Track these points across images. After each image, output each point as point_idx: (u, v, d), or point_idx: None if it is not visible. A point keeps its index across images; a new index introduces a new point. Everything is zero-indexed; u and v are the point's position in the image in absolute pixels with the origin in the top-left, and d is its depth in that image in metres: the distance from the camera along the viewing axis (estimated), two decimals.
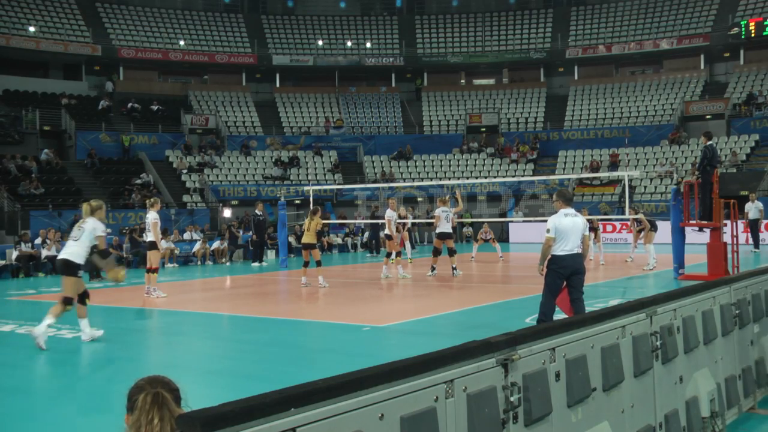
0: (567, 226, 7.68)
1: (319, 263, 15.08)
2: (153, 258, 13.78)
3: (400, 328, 9.75)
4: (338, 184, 33.68)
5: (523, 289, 14.51)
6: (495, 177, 34.20)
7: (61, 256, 9.28)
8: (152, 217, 13.68)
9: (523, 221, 21.36)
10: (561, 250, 7.70)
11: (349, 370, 2.52)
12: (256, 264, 22.18)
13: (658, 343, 4.35)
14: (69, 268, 9.04)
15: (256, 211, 22.83)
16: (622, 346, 3.99)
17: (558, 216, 7.80)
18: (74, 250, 9.08)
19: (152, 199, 14.14)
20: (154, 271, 13.80)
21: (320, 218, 15.26)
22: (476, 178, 34.18)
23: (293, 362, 7.81)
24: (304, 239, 15.24)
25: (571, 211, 7.86)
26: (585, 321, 3.79)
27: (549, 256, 7.86)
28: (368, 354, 8.01)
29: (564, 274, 7.75)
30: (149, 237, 13.90)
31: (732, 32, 38.11)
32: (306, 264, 15.39)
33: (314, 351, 8.48)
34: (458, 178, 34.48)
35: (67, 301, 8.98)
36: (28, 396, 6.58)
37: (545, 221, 8.17)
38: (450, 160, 37.61)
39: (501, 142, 38.16)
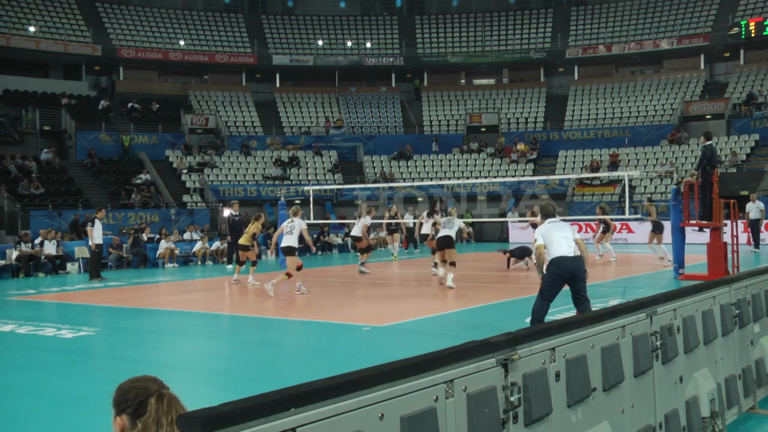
0: (553, 230, 7.92)
1: (254, 264, 16.00)
2: (291, 263, 13.62)
3: (400, 328, 9.74)
4: (338, 184, 33.68)
5: (523, 289, 14.51)
6: (495, 177, 34.20)
7: (284, 244, 13.66)
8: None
9: (519, 221, 21.32)
10: (557, 252, 7.78)
11: (349, 370, 2.52)
12: (230, 266, 20.51)
13: (658, 343, 4.35)
14: (291, 250, 13.52)
15: (232, 211, 21.92)
16: (622, 346, 3.99)
17: (544, 225, 8.18)
18: (292, 239, 13.57)
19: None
20: (300, 268, 13.88)
21: (261, 224, 16.09)
22: (476, 178, 34.17)
23: (293, 362, 7.81)
24: (241, 240, 15.93)
25: (555, 219, 8.19)
26: (585, 321, 3.79)
27: (547, 262, 7.98)
28: (368, 354, 8.01)
29: (563, 276, 7.77)
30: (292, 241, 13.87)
31: (732, 32, 38.10)
32: (242, 264, 16.26)
33: (314, 351, 8.48)
34: (458, 178, 34.48)
35: (289, 275, 13.29)
36: (28, 396, 6.58)
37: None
38: (450, 160, 37.61)
39: (501, 142, 38.16)
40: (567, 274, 7.77)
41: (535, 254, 8.11)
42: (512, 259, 18.31)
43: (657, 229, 18.25)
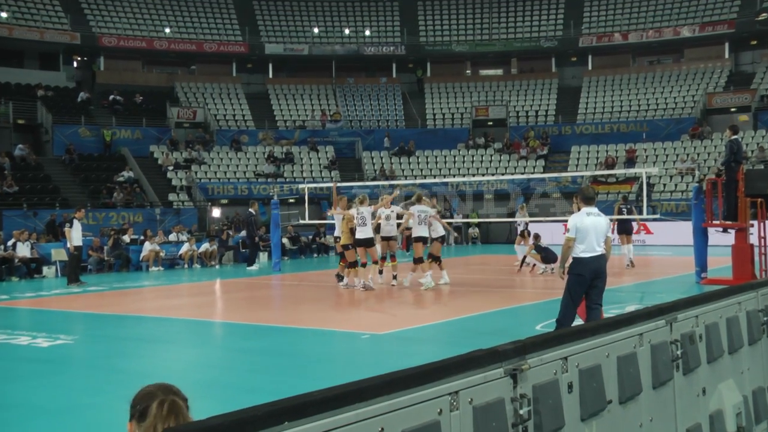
0: (589, 226, 7.66)
1: (354, 264, 14.97)
2: (373, 254, 14.94)
3: (401, 336, 9.75)
4: (335, 181, 33.69)
5: (533, 294, 14.52)
6: (503, 174, 34.22)
7: (360, 236, 14.31)
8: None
9: (530, 221, 21.33)
10: (583, 252, 7.62)
11: (346, 380, 2.52)
12: (254, 267, 22.23)
13: (678, 352, 4.35)
14: (370, 242, 14.44)
15: (250, 210, 22.92)
16: (639, 355, 3.99)
17: (579, 215, 7.79)
18: (367, 230, 14.24)
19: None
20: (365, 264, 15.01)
21: (356, 206, 14.69)
22: (483, 175, 34.18)
23: (287, 372, 7.82)
24: (343, 241, 15.21)
25: (594, 210, 7.85)
26: (599, 328, 3.79)
27: (570, 259, 7.81)
28: (367, 363, 8.02)
29: (587, 278, 7.69)
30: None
31: (759, 18, 38.07)
32: (356, 264, 15.07)
33: (310, 360, 8.48)
34: (463, 176, 34.49)
35: (375, 262, 14.89)
36: (2, 409, 6.58)
37: (558, 221, 8.26)
38: (455, 156, 37.64)
39: (509, 137, 38.19)
40: (591, 274, 7.69)
41: (563, 247, 7.86)
42: (529, 260, 18.09)
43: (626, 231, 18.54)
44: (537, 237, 17.75)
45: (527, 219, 20.90)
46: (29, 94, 34.90)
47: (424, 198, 15.21)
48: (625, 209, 18.64)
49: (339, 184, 31.72)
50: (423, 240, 14.99)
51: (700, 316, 4.71)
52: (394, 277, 15.46)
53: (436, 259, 15.16)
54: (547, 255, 17.40)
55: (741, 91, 37.31)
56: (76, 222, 17.98)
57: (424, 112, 41.30)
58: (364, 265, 14.84)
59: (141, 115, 36.49)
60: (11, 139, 32.24)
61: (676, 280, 15.80)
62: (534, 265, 18.04)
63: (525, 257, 18.34)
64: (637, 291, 14.01)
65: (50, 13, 38.57)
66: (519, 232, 20.72)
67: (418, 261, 14.98)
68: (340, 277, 15.69)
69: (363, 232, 14.40)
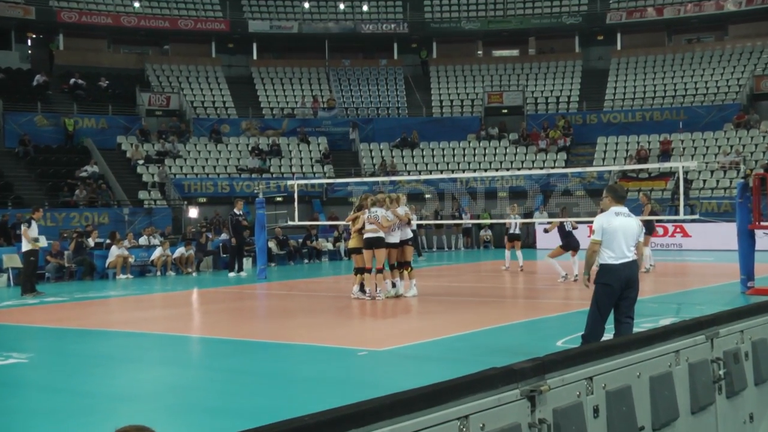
0: (617, 228, 7.64)
1: (366, 270, 15.07)
2: (381, 256, 14.97)
3: (404, 353, 9.76)
4: (329, 177, 33.70)
5: (554, 305, 14.51)
6: (519, 169, 34.21)
7: (374, 235, 14.66)
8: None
9: (549, 222, 21.36)
10: (612, 257, 7.61)
11: (341, 403, 2.52)
12: (233, 274, 22.26)
13: (721, 372, 4.35)
14: (381, 241, 14.66)
15: (235, 210, 22.80)
16: (675, 375, 3.99)
17: (607, 215, 7.78)
18: (376, 229, 14.67)
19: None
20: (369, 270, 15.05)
21: (371, 207, 15.02)
22: (496, 170, 34.17)
23: (274, 394, 7.83)
24: (352, 244, 15.62)
25: (624, 210, 7.84)
26: (630, 344, 3.79)
27: (596, 266, 7.81)
28: (366, 384, 8.03)
29: (616, 287, 7.69)
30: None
31: None
32: (365, 271, 15.18)
33: (300, 380, 8.49)
34: (474, 170, 34.48)
35: (380, 270, 14.87)
36: None
37: (583, 222, 8.27)
38: (464, 149, 37.64)
39: (526, 127, 38.21)
40: (621, 284, 7.69)
41: (587, 252, 7.85)
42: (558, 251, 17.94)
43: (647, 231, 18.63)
44: (564, 210, 17.77)
45: (519, 220, 21.40)
46: None
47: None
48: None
49: (332, 181, 31.74)
50: (378, 242, 14.99)
51: (746, 331, 4.71)
52: (393, 285, 15.51)
53: (401, 266, 15.60)
54: (569, 242, 17.06)
55: None
56: (33, 223, 17.97)
57: (429, 99, 41.29)
58: (369, 270, 14.86)
59: (107, 101, 36.46)
60: None
61: (717, 290, 15.80)
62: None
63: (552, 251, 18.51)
64: (672, 302, 14.00)
65: None
66: (508, 236, 21.27)
67: (401, 266, 15.54)
68: (362, 289, 15.60)
69: (372, 231, 14.72)
